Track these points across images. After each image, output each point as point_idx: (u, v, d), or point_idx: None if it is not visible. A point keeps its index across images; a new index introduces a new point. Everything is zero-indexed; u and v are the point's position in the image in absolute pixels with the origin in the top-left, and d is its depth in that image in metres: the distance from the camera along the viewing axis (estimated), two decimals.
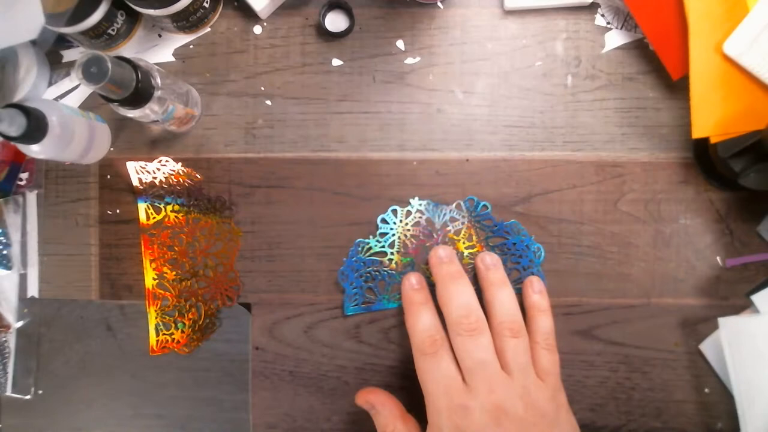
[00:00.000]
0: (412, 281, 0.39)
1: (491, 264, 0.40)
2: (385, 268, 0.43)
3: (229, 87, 0.44)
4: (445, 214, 0.43)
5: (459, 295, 0.37)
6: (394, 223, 0.43)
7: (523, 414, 0.34)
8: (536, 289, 0.40)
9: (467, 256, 0.43)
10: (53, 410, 0.45)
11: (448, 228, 0.43)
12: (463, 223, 0.43)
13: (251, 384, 0.44)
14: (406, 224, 0.43)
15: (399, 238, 0.43)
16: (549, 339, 0.38)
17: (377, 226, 0.43)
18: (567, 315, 0.43)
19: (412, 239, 0.43)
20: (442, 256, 0.39)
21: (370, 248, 0.43)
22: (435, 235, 0.43)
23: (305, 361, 0.44)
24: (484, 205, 0.43)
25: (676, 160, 0.43)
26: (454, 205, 0.43)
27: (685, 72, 0.40)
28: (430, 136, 0.44)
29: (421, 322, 0.37)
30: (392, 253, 0.43)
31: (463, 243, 0.43)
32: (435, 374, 0.35)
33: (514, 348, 0.36)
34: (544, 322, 0.39)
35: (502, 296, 0.38)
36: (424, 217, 0.43)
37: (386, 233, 0.43)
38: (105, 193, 0.45)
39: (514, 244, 0.43)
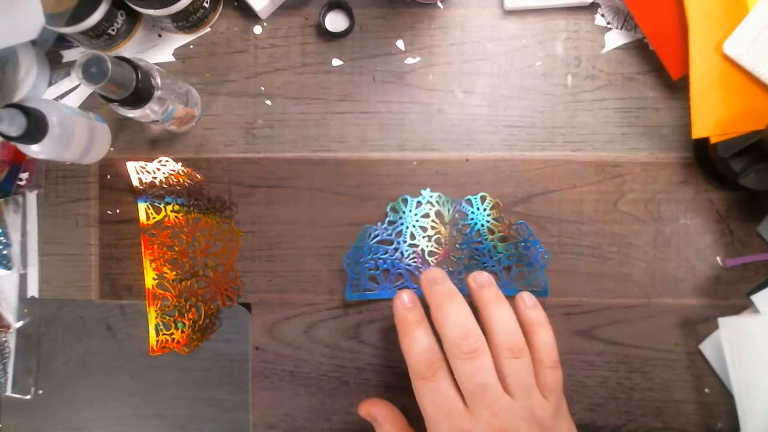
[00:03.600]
0: (404, 299, 0.36)
1: (484, 282, 0.37)
2: (390, 257, 0.43)
3: (229, 87, 0.44)
4: (455, 208, 0.43)
5: (455, 314, 0.35)
6: (404, 212, 0.43)
7: None
8: (529, 304, 0.38)
9: (473, 250, 0.43)
10: (53, 410, 0.45)
11: (459, 224, 0.43)
12: (472, 220, 0.43)
13: (251, 384, 0.44)
14: (416, 215, 0.43)
15: (407, 227, 0.43)
16: (552, 355, 0.36)
17: (386, 213, 0.43)
18: (567, 315, 0.43)
19: (420, 230, 0.43)
20: (433, 278, 0.37)
21: (377, 236, 0.43)
22: (444, 228, 0.43)
23: (305, 361, 0.44)
24: (496, 203, 0.43)
25: (676, 160, 0.43)
26: (464, 200, 0.43)
27: (685, 72, 0.40)
28: (430, 136, 0.44)
29: (417, 343, 0.35)
30: (398, 243, 0.43)
31: (472, 238, 0.43)
32: (435, 398, 0.34)
33: (518, 370, 0.34)
34: (544, 336, 0.36)
35: (501, 314, 0.36)
36: (434, 210, 0.43)
37: (395, 221, 0.43)
38: (105, 193, 0.45)
39: (522, 244, 0.43)
